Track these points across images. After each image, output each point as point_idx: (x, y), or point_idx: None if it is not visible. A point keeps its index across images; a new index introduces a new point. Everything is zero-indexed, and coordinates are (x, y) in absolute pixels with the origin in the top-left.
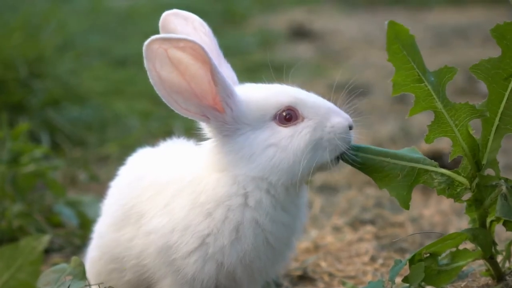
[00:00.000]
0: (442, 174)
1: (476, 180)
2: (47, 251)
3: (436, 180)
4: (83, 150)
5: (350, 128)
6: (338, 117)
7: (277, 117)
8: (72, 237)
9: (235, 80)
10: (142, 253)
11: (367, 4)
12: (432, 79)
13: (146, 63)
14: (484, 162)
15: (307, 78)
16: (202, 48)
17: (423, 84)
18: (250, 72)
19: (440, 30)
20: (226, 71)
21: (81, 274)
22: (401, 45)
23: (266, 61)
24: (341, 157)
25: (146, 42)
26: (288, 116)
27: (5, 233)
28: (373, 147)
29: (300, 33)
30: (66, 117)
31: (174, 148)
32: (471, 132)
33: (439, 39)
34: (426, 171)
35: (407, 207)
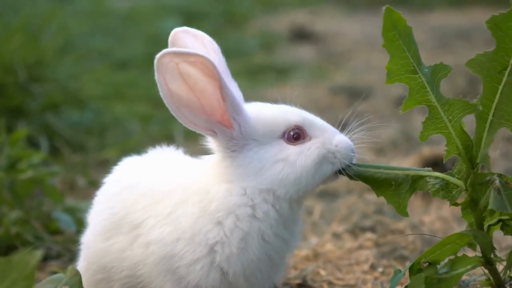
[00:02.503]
0: (437, 177)
1: (470, 179)
2: (45, 259)
3: (430, 183)
4: (82, 155)
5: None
6: (342, 137)
7: (286, 136)
8: (70, 244)
9: (241, 98)
10: (138, 264)
11: (369, 5)
12: (426, 70)
13: (156, 76)
14: (478, 160)
15: (308, 81)
16: (212, 64)
17: (417, 75)
18: (251, 74)
19: (442, 32)
20: (233, 89)
21: (77, 284)
22: (397, 34)
23: (267, 63)
24: (342, 171)
25: (157, 56)
26: (295, 135)
27: (3, 240)
28: (366, 164)
29: (301, 35)
30: (66, 121)
31: (165, 157)
32: (465, 129)
33: (441, 41)
34: (421, 176)
35: (404, 214)
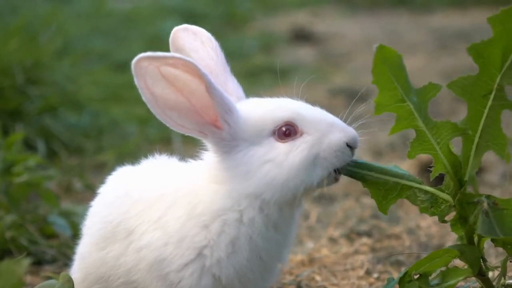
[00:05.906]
0: (426, 192)
1: (458, 197)
2: (39, 263)
3: (419, 198)
4: (79, 158)
5: (350, 145)
6: (338, 133)
7: (276, 133)
8: (66, 249)
9: (241, 95)
10: (132, 270)
11: (369, 6)
12: (415, 99)
13: (136, 81)
14: (466, 179)
15: (308, 82)
16: (193, 64)
17: (405, 103)
18: (251, 75)
19: (443, 33)
20: (232, 86)
21: None
22: (388, 67)
23: (267, 65)
24: (338, 172)
25: (134, 60)
26: (287, 131)
27: None
28: (360, 161)
29: (301, 36)
30: (63, 123)
31: (159, 164)
32: (452, 149)
33: (441, 42)
34: (410, 187)
35: (384, 212)
